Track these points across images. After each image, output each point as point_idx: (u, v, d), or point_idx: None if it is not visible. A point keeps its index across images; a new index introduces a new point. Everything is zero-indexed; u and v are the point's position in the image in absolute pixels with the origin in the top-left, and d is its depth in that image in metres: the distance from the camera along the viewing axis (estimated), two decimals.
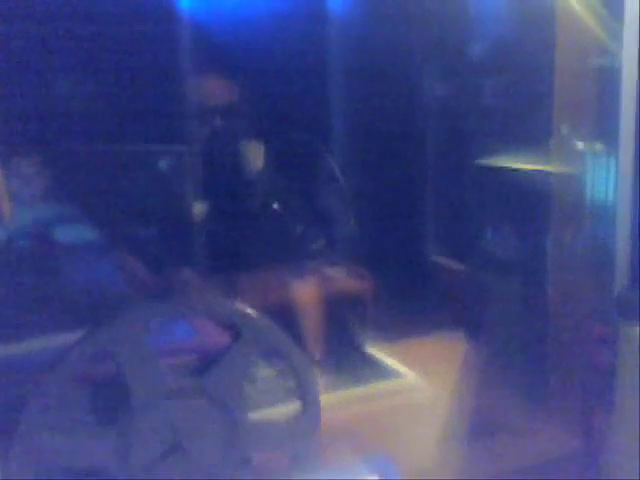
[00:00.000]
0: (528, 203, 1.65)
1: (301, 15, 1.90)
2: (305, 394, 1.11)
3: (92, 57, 1.61)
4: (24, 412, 0.97)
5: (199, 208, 1.64)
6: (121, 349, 0.97)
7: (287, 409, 1.19)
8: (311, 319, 1.76)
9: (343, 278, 1.85)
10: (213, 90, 1.70)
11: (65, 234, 1.63)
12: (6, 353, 1.37)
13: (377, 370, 1.69)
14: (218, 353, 1.02)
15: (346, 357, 1.74)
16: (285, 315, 1.71)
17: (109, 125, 1.63)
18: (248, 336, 1.02)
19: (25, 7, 1.54)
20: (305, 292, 1.78)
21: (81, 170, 1.62)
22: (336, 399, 1.56)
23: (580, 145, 1.55)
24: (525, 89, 1.65)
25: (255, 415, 1.13)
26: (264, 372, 1.45)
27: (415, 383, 1.64)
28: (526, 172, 1.63)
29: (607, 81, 1.49)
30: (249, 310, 1.02)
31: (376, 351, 1.76)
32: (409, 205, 1.97)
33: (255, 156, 1.69)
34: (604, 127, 1.51)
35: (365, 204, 1.90)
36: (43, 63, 1.61)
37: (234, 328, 1.02)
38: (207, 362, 1.02)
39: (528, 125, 1.63)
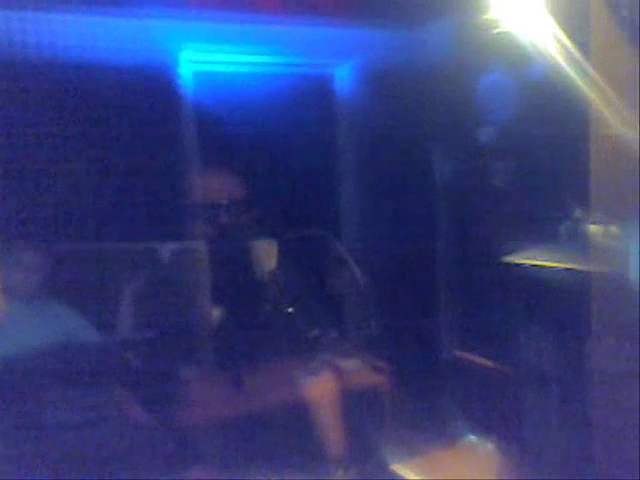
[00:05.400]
0: (562, 303, 1.54)
1: (307, 109, 1.83)
2: None
3: (102, 156, 1.54)
4: None
5: (214, 310, 1.54)
6: None
7: None
8: (329, 419, 1.65)
9: (360, 375, 1.74)
10: (221, 189, 1.62)
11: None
12: None
13: None
14: None
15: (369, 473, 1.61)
16: (301, 415, 1.60)
17: (113, 223, 1.56)
18: None
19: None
20: (321, 390, 1.67)
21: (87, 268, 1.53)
22: None
23: (620, 240, 1.45)
24: (560, 183, 1.55)
25: None
26: None
27: None
28: (560, 270, 1.53)
29: None
30: None
31: (399, 467, 1.62)
32: (430, 299, 1.86)
33: (269, 255, 1.59)
34: None
35: (385, 297, 1.79)
36: (49, 162, 1.54)
37: None
38: None
39: (562, 220, 1.54)
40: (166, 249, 1.53)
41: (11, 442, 1.36)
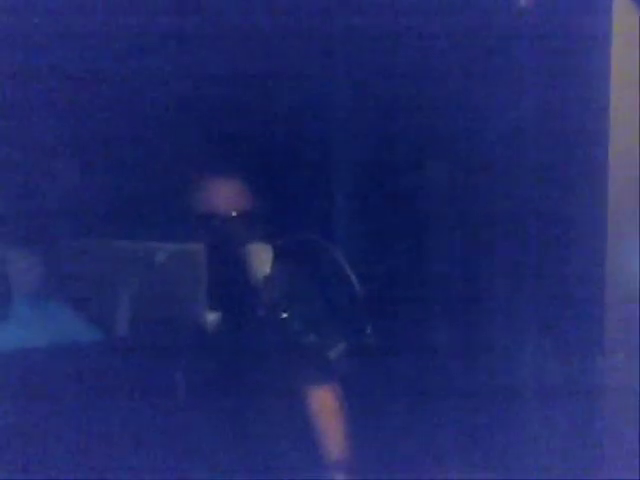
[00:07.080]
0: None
1: (303, 116, 1.75)
2: None
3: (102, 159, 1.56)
4: None
5: (207, 316, 1.47)
6: None
7: None
8: (324, 426, 1.57)
9: (355, 383, 1.66)
10: (218, 195, 1.53)
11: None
12: None
13: None
14: None
15: None
16: (301, 425, 1.54)
17: (111, 224, 1.53)
18: None
19: None
20: (321, 401, 1.60)
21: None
22: None
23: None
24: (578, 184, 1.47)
25: None
26: None
27: None
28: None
29: None
30: None
31: None
32: (428, 307, 1.78)
33: (263, 259, 1.51)
34: None
35: (382, 304, 1.71)
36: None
37: None
38: None
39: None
40: (161, 252, 1.47)
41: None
